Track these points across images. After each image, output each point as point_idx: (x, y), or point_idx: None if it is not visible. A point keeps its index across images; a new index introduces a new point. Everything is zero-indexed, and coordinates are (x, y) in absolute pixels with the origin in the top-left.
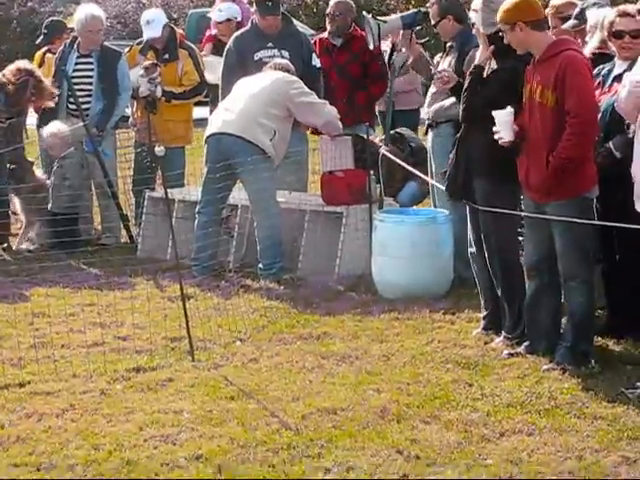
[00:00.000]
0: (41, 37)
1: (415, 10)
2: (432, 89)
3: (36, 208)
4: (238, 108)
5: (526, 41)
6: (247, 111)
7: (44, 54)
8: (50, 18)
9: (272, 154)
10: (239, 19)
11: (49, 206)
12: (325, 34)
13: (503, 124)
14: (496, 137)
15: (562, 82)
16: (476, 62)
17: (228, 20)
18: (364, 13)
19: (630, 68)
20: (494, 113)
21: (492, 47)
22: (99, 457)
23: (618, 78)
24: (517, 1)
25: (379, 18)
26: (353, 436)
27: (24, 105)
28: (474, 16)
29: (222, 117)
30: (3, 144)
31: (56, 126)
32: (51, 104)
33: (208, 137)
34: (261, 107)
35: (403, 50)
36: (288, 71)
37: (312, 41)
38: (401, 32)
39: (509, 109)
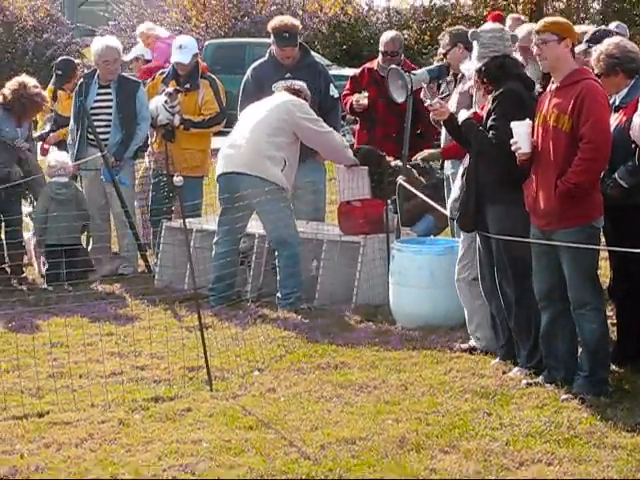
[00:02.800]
0: (54, 78)
1: (439, 64)
2: None
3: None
4: (245, 142)
5: (562, 60)
6: (254, 145)
7: (55, 89)
8: (60, 58)
9: (285, 185)
10: (147, 57)
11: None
12: (374, 65)
13: (521, 135)
14: (513, 149)
15: (580, 108)
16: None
17: (136, 59)
18: (392, 65)
19: (629, 97)
20: (512, 124)
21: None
22: None
23: (616, 109)
24: (559, 19)
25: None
26: (372, 466)
27: (28, 117)
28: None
29: (230, 154)
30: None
31: (61, 155)
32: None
33: (219, 177)
34: (268, 138)
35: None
36: (301, 92)
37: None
38: (425, 85)
39: (527, 121)
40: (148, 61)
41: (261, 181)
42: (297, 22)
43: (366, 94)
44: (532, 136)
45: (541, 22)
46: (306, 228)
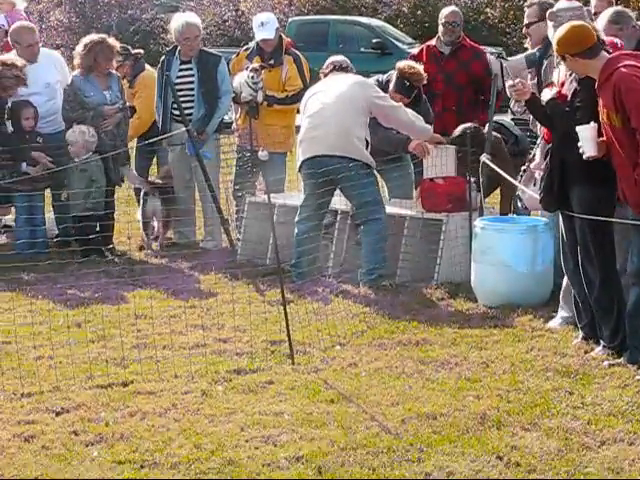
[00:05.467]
0: None
1: (537, 49)
2: None
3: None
4: (331, 125)
5: (579, 69)
6: (342, 127)
7: None
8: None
9: (373, 163)
10: (5, 27)
11: (73, 211)
12: (433, 41)
13: (585, 139)
14: (581, 152)
15: (620, 103)
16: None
17: None
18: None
19: None
20: (577, 129)
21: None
22: (201, 456)
23: None
24: (563, 34)
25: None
26: (453, 441)
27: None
28: (548, 32)
29: (316, 136)
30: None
31: (87, 128)
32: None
33: (307, 160)
34: (353, 118)
35: None
36: (350, 68)
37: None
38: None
39: (592, 124)
40: (5, 32)
41: (352, 161)
42: None
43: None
44: (598, 137)
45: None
46: (389, 205)
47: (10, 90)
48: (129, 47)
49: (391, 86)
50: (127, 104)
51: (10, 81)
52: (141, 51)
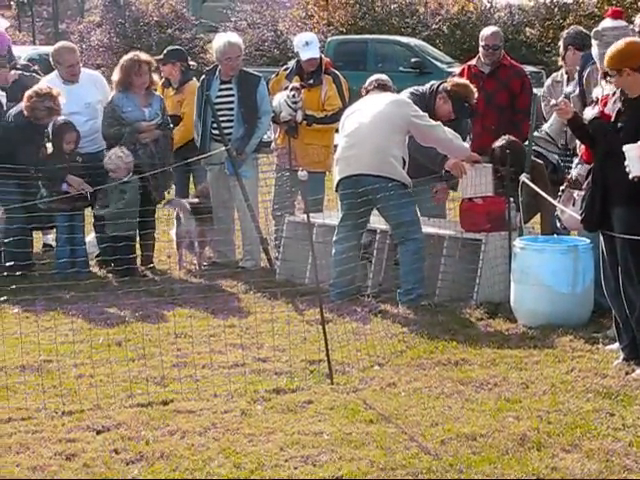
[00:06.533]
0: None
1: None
2: None
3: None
4: (367, 143)
5: (633, 86)
6: (378, 145)
7: (163, 87)
8: (174, 47)
9: (409, 182)
10: None
11: (109, 231)
12: (474, 61)
13: (632, 159)
14: (627, 171)
15: None
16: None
17: None
18: None
19: None
20: (624, 148)
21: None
22: (241, 475)
23: None
24: (621, 48)
25: None
26: (493, 462)
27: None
28: (592, 51)
29: (352, 155)
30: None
31: (121, 151)
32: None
33: (343, 179)
34: (389, 138)
35: None
36: (389, 87)
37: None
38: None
39: (639, 143)
40: None
41: (388, 180)
42: None
43: None
44: None
45: (605, 58)
46: (427, 225)
47: (44, 120)
48: (183, 50)
49: (444, 105)
50: (170, 122)
51: (42, 113)
52: (195, 64)
